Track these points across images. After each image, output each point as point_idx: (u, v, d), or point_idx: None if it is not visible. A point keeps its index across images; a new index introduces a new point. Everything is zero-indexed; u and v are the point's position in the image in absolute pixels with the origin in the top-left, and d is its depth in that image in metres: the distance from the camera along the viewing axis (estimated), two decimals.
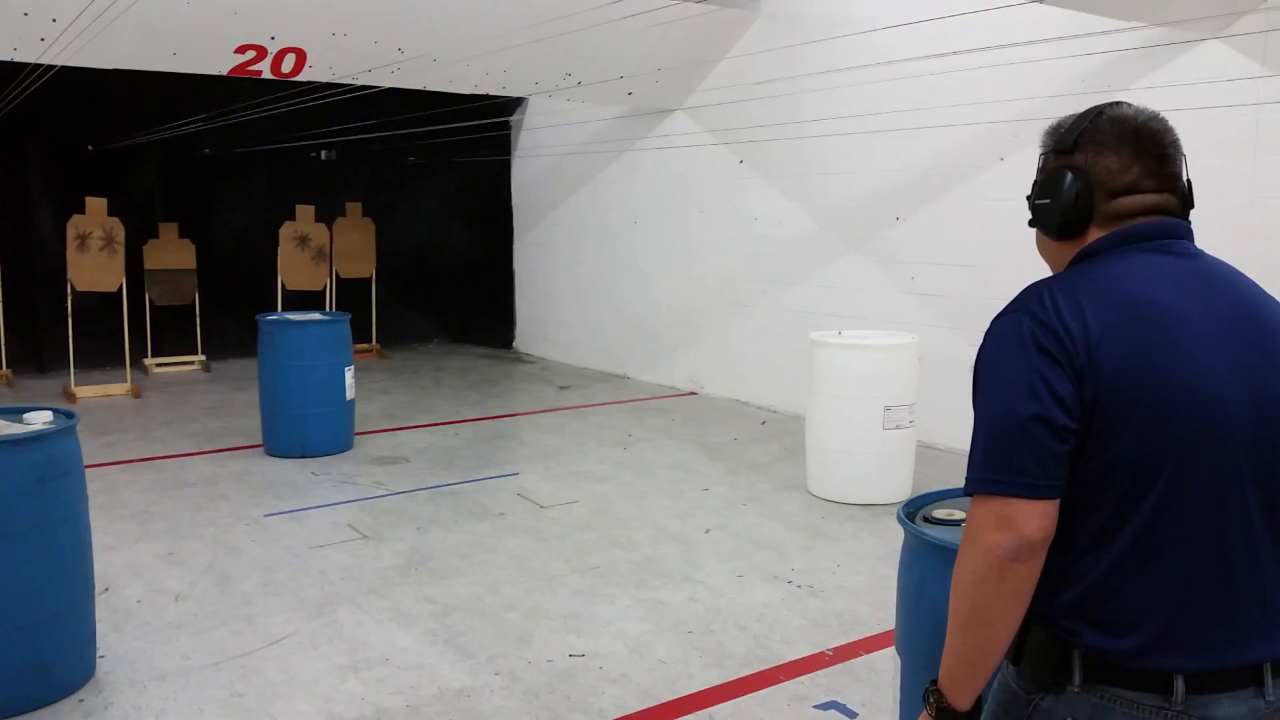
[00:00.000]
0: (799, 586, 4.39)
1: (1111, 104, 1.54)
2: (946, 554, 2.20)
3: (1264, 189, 5.15)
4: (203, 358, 10.16)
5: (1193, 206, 1.54)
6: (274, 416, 6.72)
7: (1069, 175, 1.50)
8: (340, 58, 7.10)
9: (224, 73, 6.89)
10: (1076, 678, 1.43)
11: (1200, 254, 1.53)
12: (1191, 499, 1.40)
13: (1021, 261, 6.90)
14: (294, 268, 10.48)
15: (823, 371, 5.68)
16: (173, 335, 10.21)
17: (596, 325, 10.22)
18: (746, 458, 6.63)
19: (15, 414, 3.59)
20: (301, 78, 7.24)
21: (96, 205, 8.91)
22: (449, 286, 12.21)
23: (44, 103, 7.85)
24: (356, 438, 7.02)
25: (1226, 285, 1.50)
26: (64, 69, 6.65)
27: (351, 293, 10.99)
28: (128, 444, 7.04)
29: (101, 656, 3.66)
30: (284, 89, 8.08)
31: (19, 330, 9.54)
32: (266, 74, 7.02)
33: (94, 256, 8.85)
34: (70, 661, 3.46)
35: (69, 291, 8.75)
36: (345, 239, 10.93)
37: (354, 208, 11.13)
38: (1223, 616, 1.42)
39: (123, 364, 9.04)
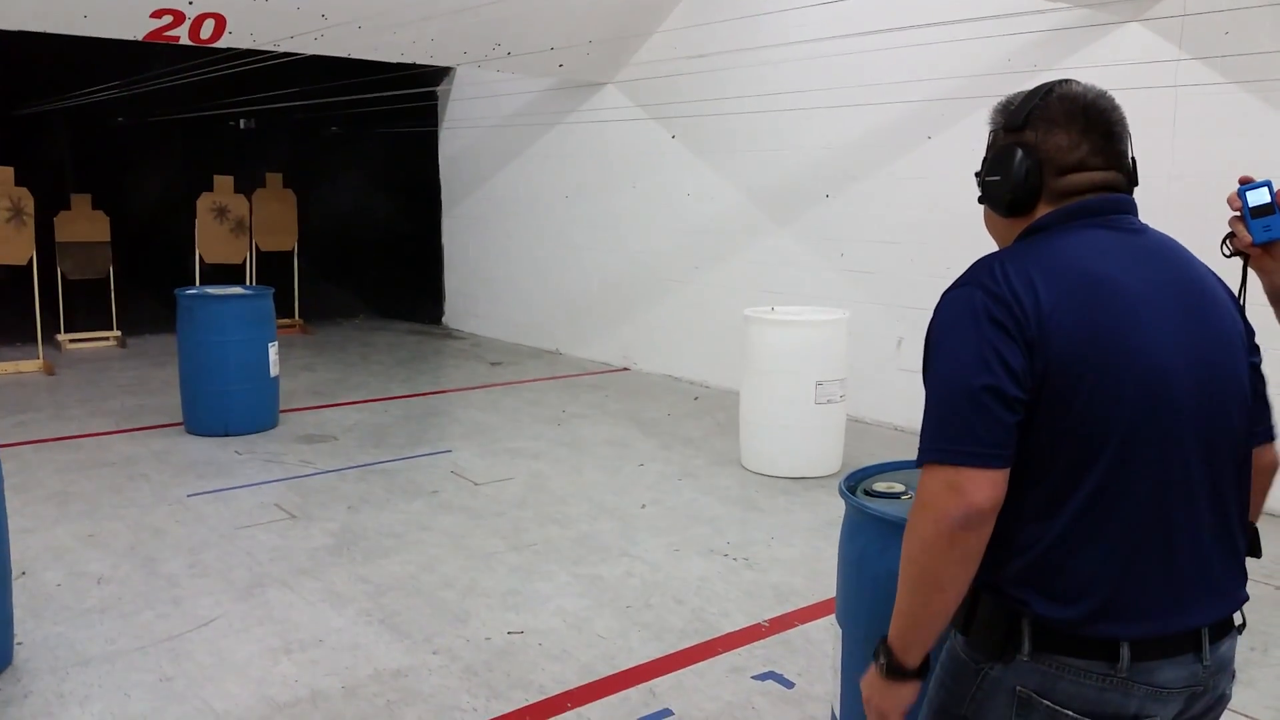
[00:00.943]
0: (734, 559, 4.44)
1: (1061, 81, 1.56)
2: (887, 526, 2.24)
3: (1180, 168, 5.31)
4: (118, 333, 9.82)
5: (1137, 183, 1.58)
6: (195, 394, 6.53)
7: (1019, 152, 1.52)
8: (261, 23, 6.87)
9: (139, 38, 6.63)
10: (1025, 646, 1.45)
11: (1145, 229, 1.56)
12: (1137, 469, 1.43)
13: (948, 238, 7.04)
14: (212, 240, 10.17)
15: (756, 347, 5.72)
16: (86, 310, 9.86)
17: (528, 301, 10.15)
18: (680, 433, 6.66)
19: None
20: (221, 44, 7.00)
21: (3, 174, 8.52)
22: (374, 261, 12.00)
23: None
24: (281, 415, 6.87)
25: (1171, 259, 1.54)
26: None
27: (272, 266, 10.70)
28: (42, 423, 6.78)
29: (19, 643, 3.53)
30: (202, 55, 7.81)
31: None
32: (185, 40, 6.77)
33: (1, 228, 8.48)
34: None
35: None
36: (265, 211, 10.62)
37: (274, 178, 10.82)
38: (1166, 584, 1.45)
39: (34, 340, 8.68)
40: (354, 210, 11.86)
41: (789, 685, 3.33)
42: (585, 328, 9.45)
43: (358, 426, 6.82)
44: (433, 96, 10.82)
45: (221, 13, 6.61)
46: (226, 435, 6.40)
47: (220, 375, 6.41)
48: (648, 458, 6.07)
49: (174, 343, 6.72)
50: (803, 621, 3.80)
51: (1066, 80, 1.56)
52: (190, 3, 6.41)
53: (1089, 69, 5.53)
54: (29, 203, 8.59)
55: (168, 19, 6.50)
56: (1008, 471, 1.42)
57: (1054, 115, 1.52)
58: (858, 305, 6.60)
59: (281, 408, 6.90)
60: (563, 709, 3.19)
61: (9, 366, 8.47)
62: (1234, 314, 1.56)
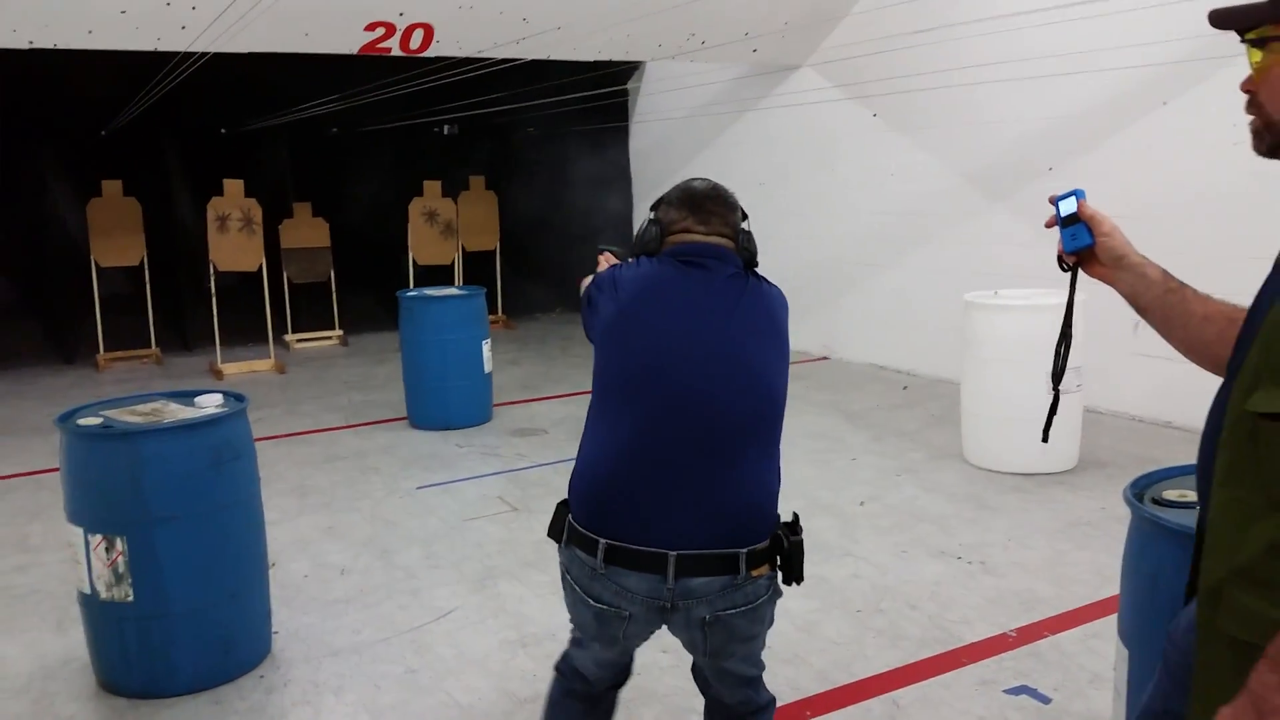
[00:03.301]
0: (969, 563, 4.20)
1: (688, 180, 2.33)
2: (1184, 540, 2.01)
3: None
4: (340, 332, 10.40)
5: (748, 247, 2.25)
6: (417, 390, 6.81)
7: (650, 225, 2.28)
8: (467, 31, 7.07)
9: (355, 51, 6.95)
10: (565, 536, 2.13)
11: (714, 269, 2.15)
12: (633, 415, 2.05)
13: (1185, 212, 6.46)
14: (424, 242, 10.62)
15: (979, 334, 5.42)
16: (310, 311, 10.48)
17: None
18: (892, 425, 6.41)
19: (187, 397, 3.67)
20: (430, 54, 7.25)
21: (234, 187, 9.14)
22: (569, 255, 12.19)
23: (177, 89, 8.05)
24: (495, 409, 7.07)
25: (724, 285, 2.14)
26: (195, 54, 6.78)
27: (476, 264, 11.08)
28: (277, 419, 7.22)
29: (275, 633, 3.72)
30: (409, 67, 8.11)
31: (165, 311, 9.93)
32: (396, 51, 7.04)
33: (234, 237, 9.11)
34: (250, 639, 3.54)
35: (211, 272, 9.03)
36: (470, 212, 11.01)
37: (477, 181, 11.20)
38: (637, 511, 2.01)
39: (265, 340, 9.31)
40: (549, 207, 12.10)
41: (1045, 700, 3.11)
42: None
43: (565, 420, 6.93)
44: (623, 93, 10.88)
45: (430, 22, 6.85)
46: (447, 429, 6.64)
47: (440, 372, 6.66)
48: (860, 451, 5.88)
49: (391, 340, 7.02)
50: (1053, 631, 3.55)
51: (693, 179, 2.33)
52: (400, 14, 6.67)
53: None
54: (258, 213, 9.19)
55: (380, 31, 6.79)
56: None
57: (671, 200, 2.29)
58: (1087, 287, 6.12)
59: (495, 402, 7.10)
60: (801, 718, 3.09)
61: (245, 366, 9.10)
62: (774, 340, 2.15)
